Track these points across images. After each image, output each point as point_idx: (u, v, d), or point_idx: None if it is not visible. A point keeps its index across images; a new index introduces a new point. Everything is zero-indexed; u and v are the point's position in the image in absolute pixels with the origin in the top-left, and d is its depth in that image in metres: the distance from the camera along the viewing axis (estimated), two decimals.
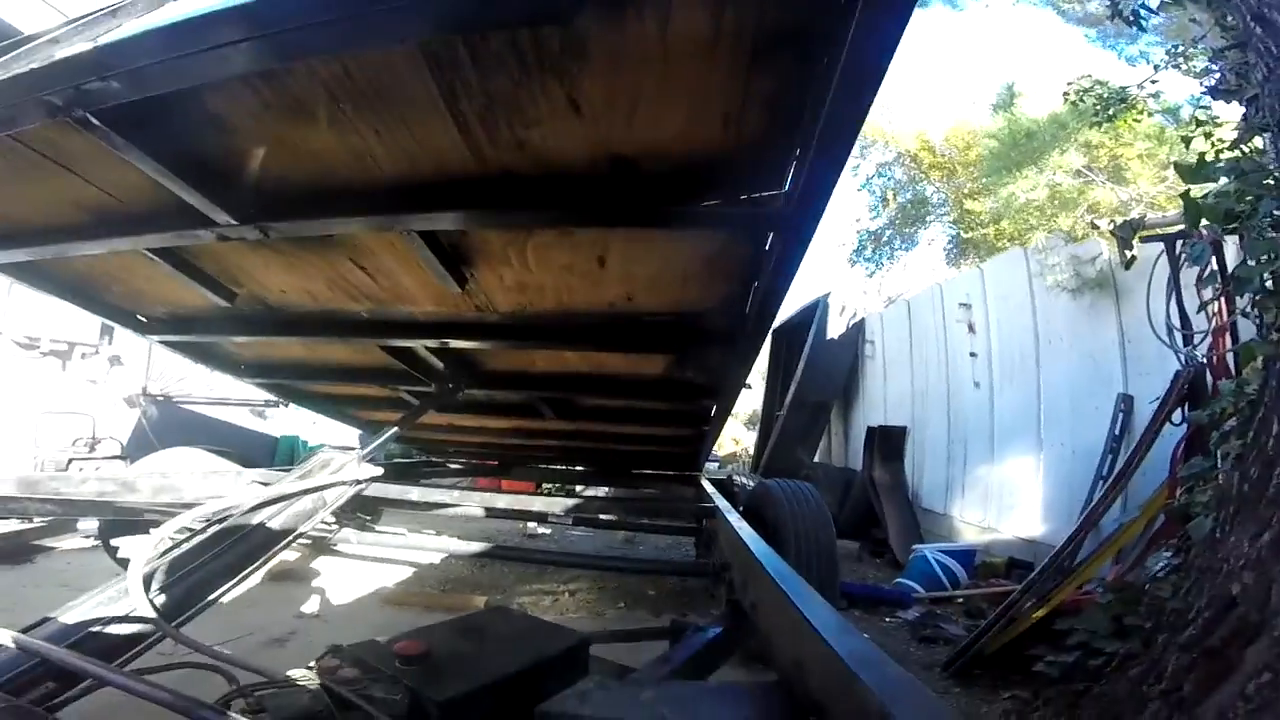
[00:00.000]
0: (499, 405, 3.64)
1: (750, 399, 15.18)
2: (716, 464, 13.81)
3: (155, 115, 1.31)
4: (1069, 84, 6.71)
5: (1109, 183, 7.61)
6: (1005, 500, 6.17)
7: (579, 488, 5.88)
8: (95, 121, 1.28)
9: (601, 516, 3.70)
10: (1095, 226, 5.86)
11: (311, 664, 1.17)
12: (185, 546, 1.66)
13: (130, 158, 1.41)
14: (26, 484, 2.56)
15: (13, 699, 0.83)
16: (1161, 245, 3.83)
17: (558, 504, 3.44)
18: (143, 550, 1.46)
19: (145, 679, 0.92)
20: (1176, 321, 3.75)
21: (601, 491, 5.47)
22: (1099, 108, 6.36)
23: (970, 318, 7.00)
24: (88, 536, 4.67)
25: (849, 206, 23.47)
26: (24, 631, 1.18)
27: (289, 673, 1.13)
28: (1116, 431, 4.72)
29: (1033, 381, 6.02)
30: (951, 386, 7.41)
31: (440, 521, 4.65)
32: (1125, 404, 4.75)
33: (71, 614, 1.36)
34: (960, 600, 4.61)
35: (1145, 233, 3.84)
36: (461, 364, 3.00)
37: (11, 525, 4.41)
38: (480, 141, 1.35)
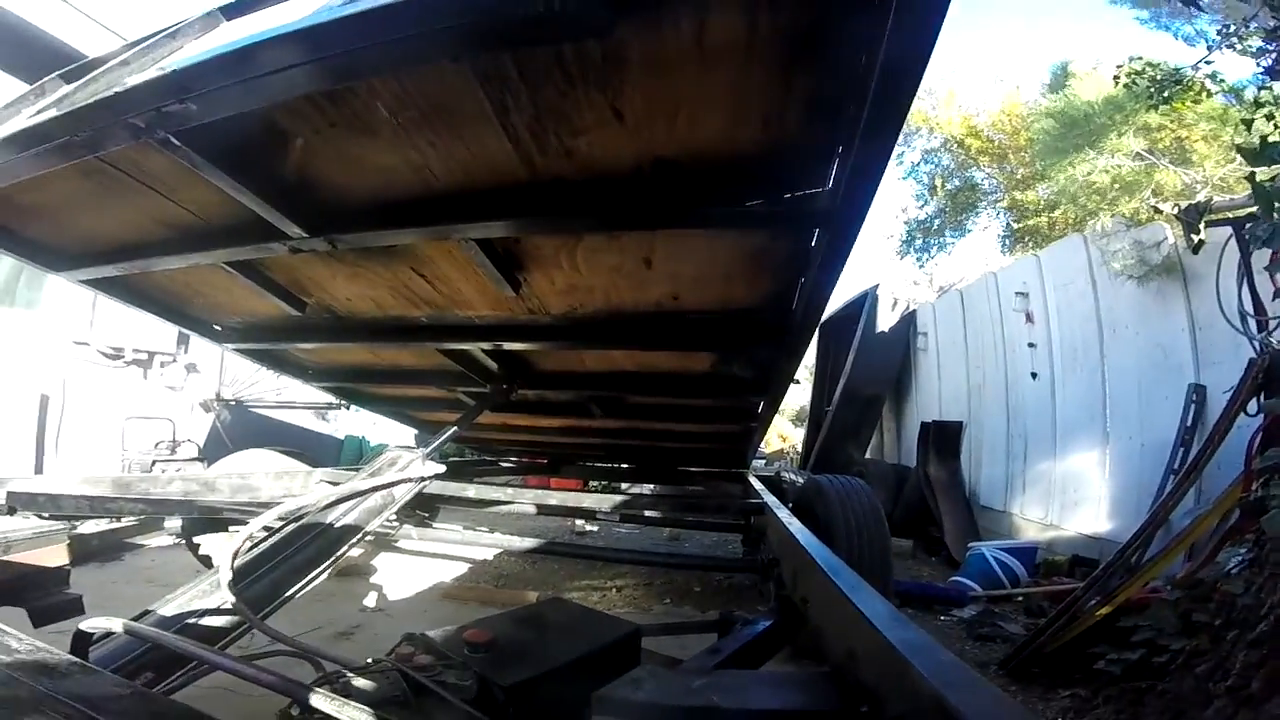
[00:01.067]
0: (550, 404, 3.72)
1: (798, 395, 14.99)
2: (763, 461, 13.67)
3: (230, 134, 1.40)
4: (1119, 67, 6.42)
5: (1173, 165, 7.21)
6: (1069, 496, 5.94)
7: (625, 485, 5.94)
8: (176, 142, 1.37)
9: (648, 513, 3.73)
10: (1158, 210, 5.58)
11: (390, 651, 1.25)
12: (266, 544, 1.79)
13: (208, 175, 1.51)
14: (120, 485, 2.76)
15: (131, 683, 0.92)
16: (1230, 229, 3.64)
17: (606, 501, 3.49)
18: (229, 547, 1.57)
19: (254, 663, 1.00)
20: (1250, 307, 3.55)
21: (648, 489, 5.51)
22: (1153, 90, 6.06)
23: (1028, 306, 6.75)
24: (172, 534, 4.97)
25: (895, 197, 22.87)
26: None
27: (369, 659, 1.20)
28: (1188, 423, 4.50)
29: (1097, 372, 5.77)
30: (1010, 378, 7.16)
31: (493, 518, 4.77)
32: (1197, 394, 4.51)
33: (169, 607, 1.48)
34: (1020, 598, 4.47)
35: (1212, 216, 3.64)
36: (515, 365, 3.09)
37: (103, 524, 4.72)
38: (530, 151, 1.41)
